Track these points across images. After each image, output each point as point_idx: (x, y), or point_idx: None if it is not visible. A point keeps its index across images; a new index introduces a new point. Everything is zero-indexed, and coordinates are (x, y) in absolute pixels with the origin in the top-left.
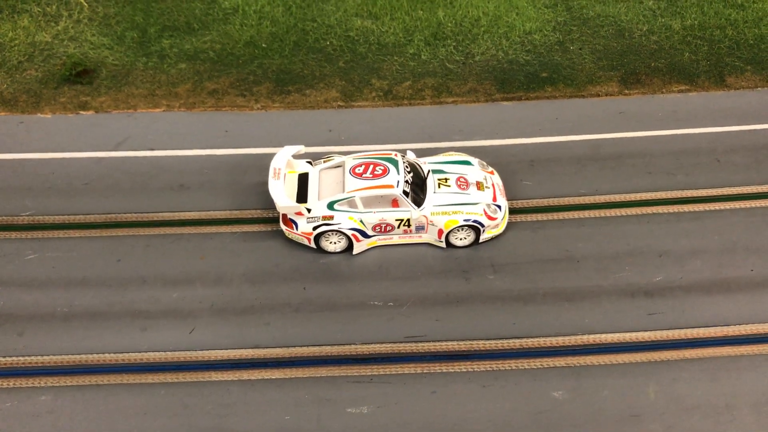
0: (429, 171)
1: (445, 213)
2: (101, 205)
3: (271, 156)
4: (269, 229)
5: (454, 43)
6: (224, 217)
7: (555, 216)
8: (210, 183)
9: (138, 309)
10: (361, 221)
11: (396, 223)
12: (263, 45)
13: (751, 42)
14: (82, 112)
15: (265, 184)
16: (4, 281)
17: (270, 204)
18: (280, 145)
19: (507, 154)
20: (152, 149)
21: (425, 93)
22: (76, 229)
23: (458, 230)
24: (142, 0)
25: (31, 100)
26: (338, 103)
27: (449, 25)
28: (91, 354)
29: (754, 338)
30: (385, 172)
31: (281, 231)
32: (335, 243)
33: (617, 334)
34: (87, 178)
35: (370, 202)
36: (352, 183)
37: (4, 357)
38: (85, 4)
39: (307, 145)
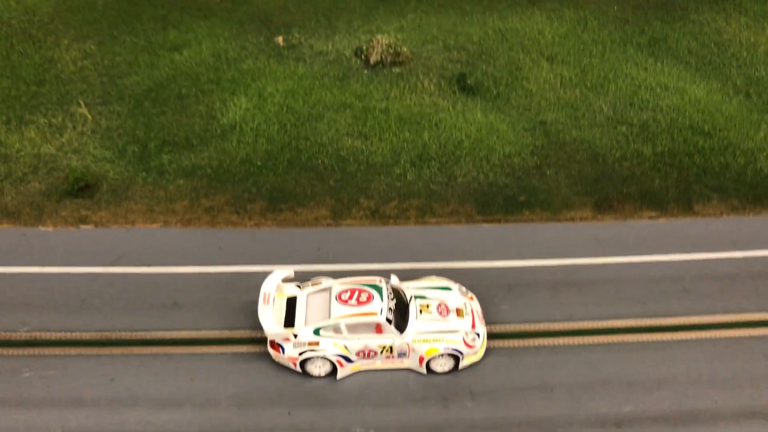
0: (412, 296)
1: (426, 341)
2: (97, 323)
3: (261, 274)
4: (257, 350)
5: (437, 165)
6: (215, 336)
7: (531, 342)
8: (202, 301)
9: (128, 431)
10: (346, 347)
11: (379, 349)
12: (258, 163)
13: (717, 170)
14: (82, 226)
15: (255, 303)
16: (0, 400)
17: (258, 324)
18: (272, 262)
19: (486, 276)
20: (148, 265)
21: (410, 213)
22: (72, 347)
23: (438, 357)
24: (143, 113)
25: (34, 212)
26: (328, 221)
27: (434, 146)
28: None
29: None
30: (370, 299)
31: (268, 353)
32: (320, 368)
33: None
34: (84, 293)
35: (354, 328)
36: (338, 309)
37: None
38: (89, 116)
39: (296, 263)
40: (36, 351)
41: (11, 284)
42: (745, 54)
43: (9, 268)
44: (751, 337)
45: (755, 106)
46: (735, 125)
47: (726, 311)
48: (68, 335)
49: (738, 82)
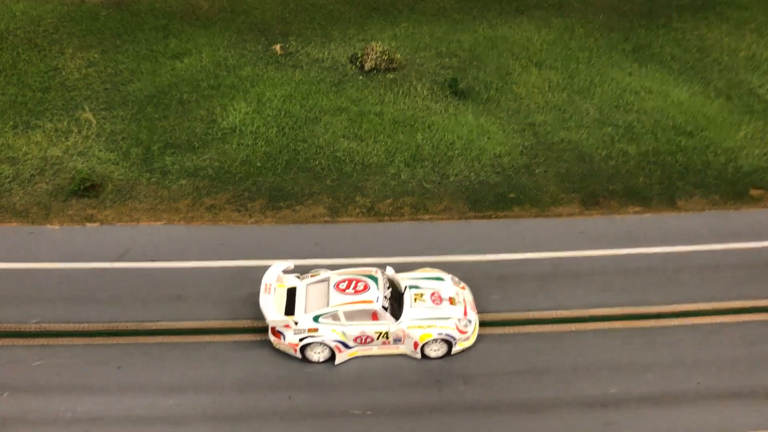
0: (406, 286)
1: (420, 327)
2: (104, 314)
3: (262, 268)
4: (258, 338)
5: (431, 165)
6: (218, 326)
7: (520, 329)
8: (205, 293)
9: (136, 415)
10: (344, 333)
11: (375, 335)
12: (258, 163)
13: (699, 168)
14: (88, 224)
15: (256, 295)
16: (12, 387)
17: (259, 314)
18: (272, 257)
19: (477, 269)
20: (153, 260)
21: (404, 210)
22: (80, 337)
23: (432, 343)
24: (146, 118)
25: (41, 211)
26: (325, 218)
27: (427, 147)
28: None
29: None
30: (366, 288)
31: (270, 340)
32: (319, 353)
33: None
34: (91, 287)
35: (352, 316)
36: (336, 298)
37: None
38: (94, 121)
39: (295, 258)
40: (45, 341)
41: (20, 279)
42: (726, 59)
43: (18, 264)
44: (731, 323)
45: (736, 108)
46: (716, 126)
47: (707, 299)
48: (76, 326)
49: (719, 85)
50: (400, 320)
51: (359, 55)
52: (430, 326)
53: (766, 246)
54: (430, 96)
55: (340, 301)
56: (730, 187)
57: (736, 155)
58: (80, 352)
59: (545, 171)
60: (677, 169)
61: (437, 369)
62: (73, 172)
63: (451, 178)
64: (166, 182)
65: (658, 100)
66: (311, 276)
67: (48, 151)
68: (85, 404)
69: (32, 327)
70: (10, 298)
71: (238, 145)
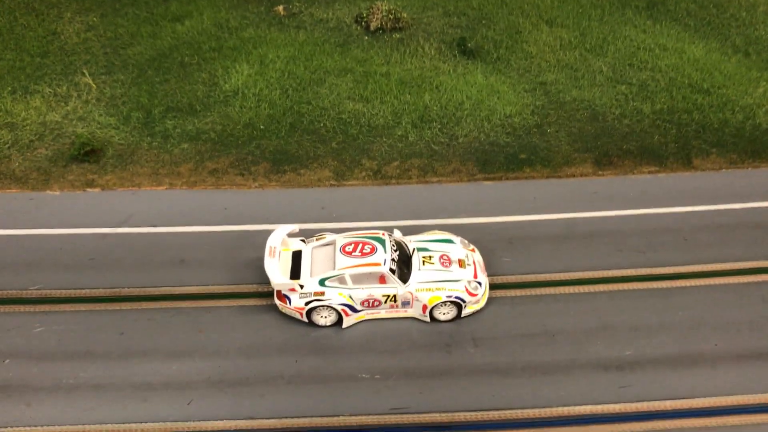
0: (414, 249)
1: (429, 290)
2: (106, 280)
3: (266, 233)
4: (264, 303)
5: (439, 126)
6: (222, 291)
7: (532, 292)
8: (209, 258)
9: (139, 381)
10: (350, 297)
11: (383, 299)
12: (261, 126)
13: (716, 126)
14: (89, 189)
15: (261, 259)
16: (14, 353)
17: (265, 279)
18: (276, 222)
19: (488, 231)
20: (155, 225)
21: (412, 173)
22: (81, 303)
23: (441, 305)
24: (147, 82)
25: (41, 177)
26: (331, 182)
27: (435, 108)
28: (95, 425)
29: (717, 410)
30: (373, 250)
31: (275, 305)
32: (326, 317)
33: (590, 407)
34: (93, 253)
35: (358, 279)
36: (342, 261)
37: (13, 428)
38: (93, 85)
39: (300, 222)
40: (47, 308)
41: (21, 246)
42: (744, 14)
43: (18, 231)
44: (749, 284)
45: (754, 64)
46: (734, 83)
47: (725, 260)
48: (78, 292)
49: (737, 42)
50: (408, 283)
51: (364, 14)
52: (439, 289)
53: None
54: (437, 56)
55: (346, 264)
56: (749, 145)
57: (754, 112)
58: (82, 318)
59: (557, 131)
60: (693, 127)
61: (447, 332)
62: (73, 137)
63: (460, 139)
64: (168, 146)
65: (674, 58)
66: (317, 239)
67: (47, 116)
68: (87, 370)
69: (34, 293)
70: (12, 265)
71: (241, 107)
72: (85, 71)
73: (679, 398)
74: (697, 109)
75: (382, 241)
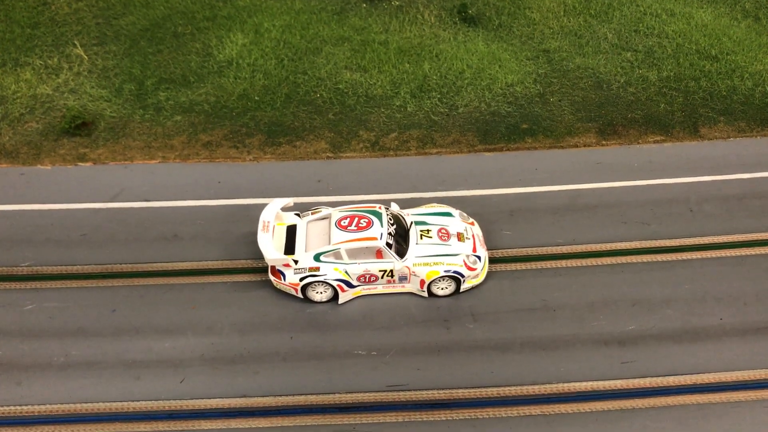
0: (412, 222)
1: (427, 264)
2: (98, 256)
3: (261, 207)
4: (258, 279)
5: (438, 96)
6: (216, 267)
7: (533, 265)
8: (202, 233)
9: (132, 358)
10: (346, 272)
11: (380, 274)
12: (256, 98)
13: (724, 93)
14: (80, 163)
15: (255, 234)
16: (4, 331)
17: (259, 254)
18: (271, 195)
19: (488, 204)
20: (147, 200)
21: (410, 144)
22: (73, 280)
23: (439, 280)
24: (139, 53)
25: (32, 151)
26: (327, 154)
27: (434, 77)
28: (86, 403)
29: (722, 386)
30: (369, 224)
31: (270, 281)
32: (321, 293)
33: (591, 383)
34: (84, 228)
35: (354, 254)
36: (338, 235)
37: (4, 406)
38: (85, 57)
39: (295, 195)
40: (37, 285)
41: (11, 221)
42: None
43: (8, 206)
44: (757, 256)
45: (764, 29)
46: (743, 49)
47: (732, 231)
48: (69, 269)
49: (747, 6)
50: (405, 258)
51: None
52: (437, 263)
53: None
54: (438, 23)
55: (342, 239)
56: (758, 112)
57: (764, 79)
58: (73, 295)
59: (560, 100)
60: (701, 95)
61: (445, 307)
62: (64, 110)
63: (460, 110)
64: (161, 119)
65: (681, 23)
66: (312, 213)
67: (38, 89)
68: (79, 348)
69: (24, 270)
70: (2, 241)
71: (235, 78)
72: (76, 42)
73: (683, 374)
74: (704, 76)
75: (378, 215)
